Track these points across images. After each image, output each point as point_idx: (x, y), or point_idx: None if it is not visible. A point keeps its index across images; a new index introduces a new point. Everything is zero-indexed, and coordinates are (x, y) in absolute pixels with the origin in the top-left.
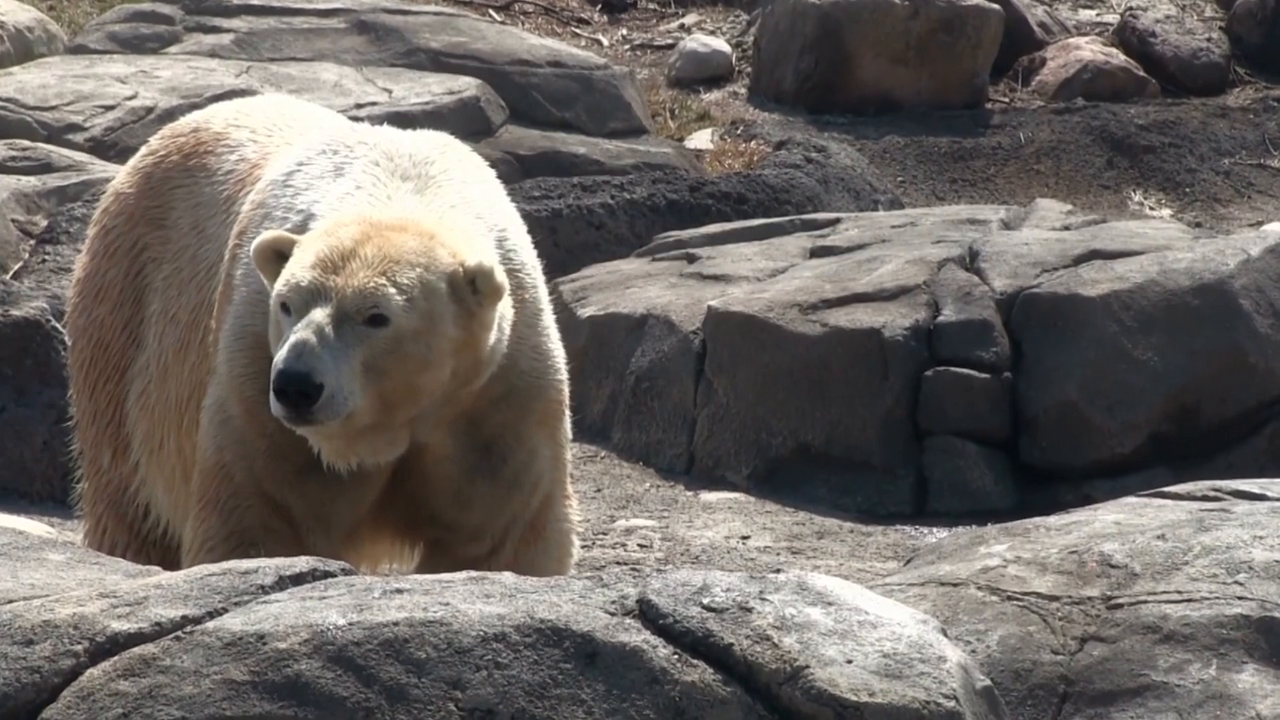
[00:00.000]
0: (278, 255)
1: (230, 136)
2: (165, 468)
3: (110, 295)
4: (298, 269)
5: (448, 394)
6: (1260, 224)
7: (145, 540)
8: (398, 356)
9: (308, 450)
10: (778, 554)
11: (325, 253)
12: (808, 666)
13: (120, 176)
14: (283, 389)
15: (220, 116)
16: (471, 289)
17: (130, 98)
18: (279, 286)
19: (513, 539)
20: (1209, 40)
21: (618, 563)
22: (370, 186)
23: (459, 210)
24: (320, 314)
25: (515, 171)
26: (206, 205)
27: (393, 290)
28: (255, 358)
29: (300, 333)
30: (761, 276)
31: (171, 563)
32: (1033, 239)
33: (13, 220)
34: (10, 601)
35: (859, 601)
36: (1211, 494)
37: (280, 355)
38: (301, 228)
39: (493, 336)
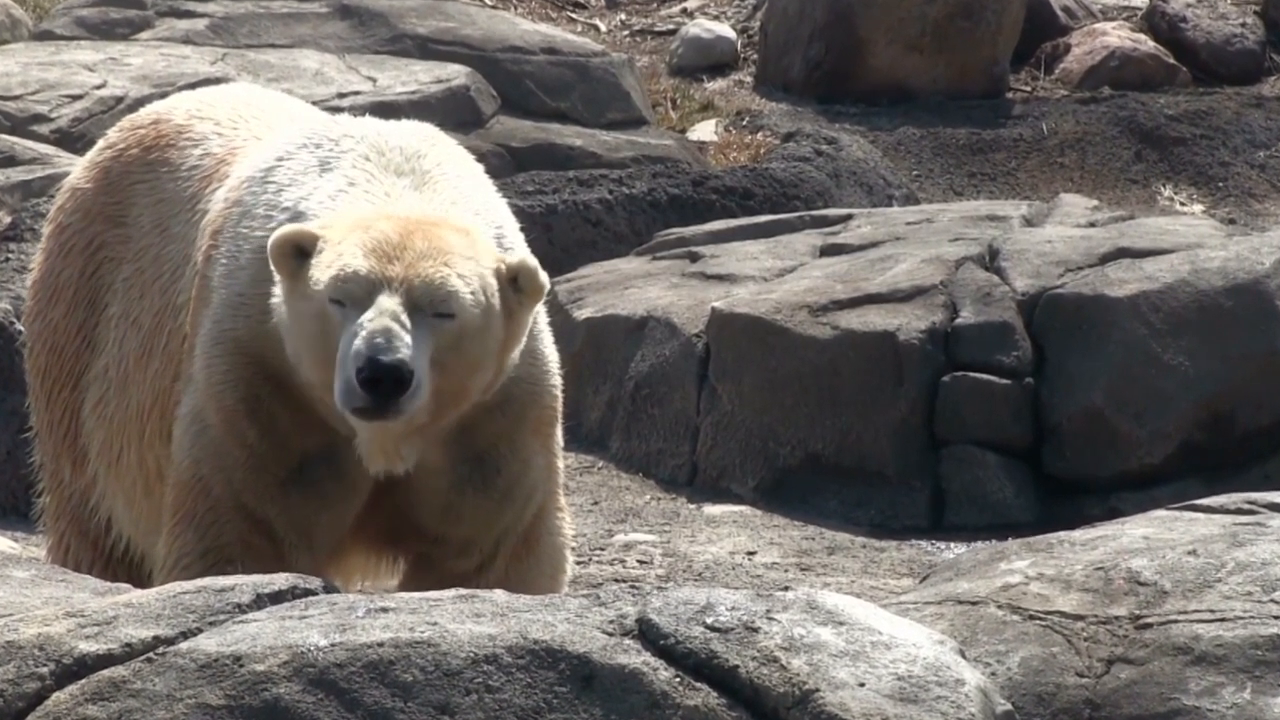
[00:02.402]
0: (298, 251)
1: (194, 129)
2: (125, 480)
3: (64, 297)
4: (349, 260)
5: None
6: None
7: (110, 557)
8: (458, 353)
9: (290, 462)
10: (786, 570)
11: (372, 244)
12: (818, 690)
13: (76, 171)
14: (376, 378)
15: (183, 108)
16: (513, 287)
17: (99, 87)
18: (328, 277)
19: (504, 553)
20: (1243, 26)
21: (616, 580)
22: (365, 183)
23: (459, 207)
24: (392, 302)
25: (507, 165)
26: (169, 202)
27: (459, 282)
28: (235, 364)
29: (379, 319)
30: (768, 276)
31: (139, 581)
32: (1056, 236)
33: None
34: None
35: (872, 621)
36: (1246, 507)
37: (364, 342)
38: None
39: (523, 341)
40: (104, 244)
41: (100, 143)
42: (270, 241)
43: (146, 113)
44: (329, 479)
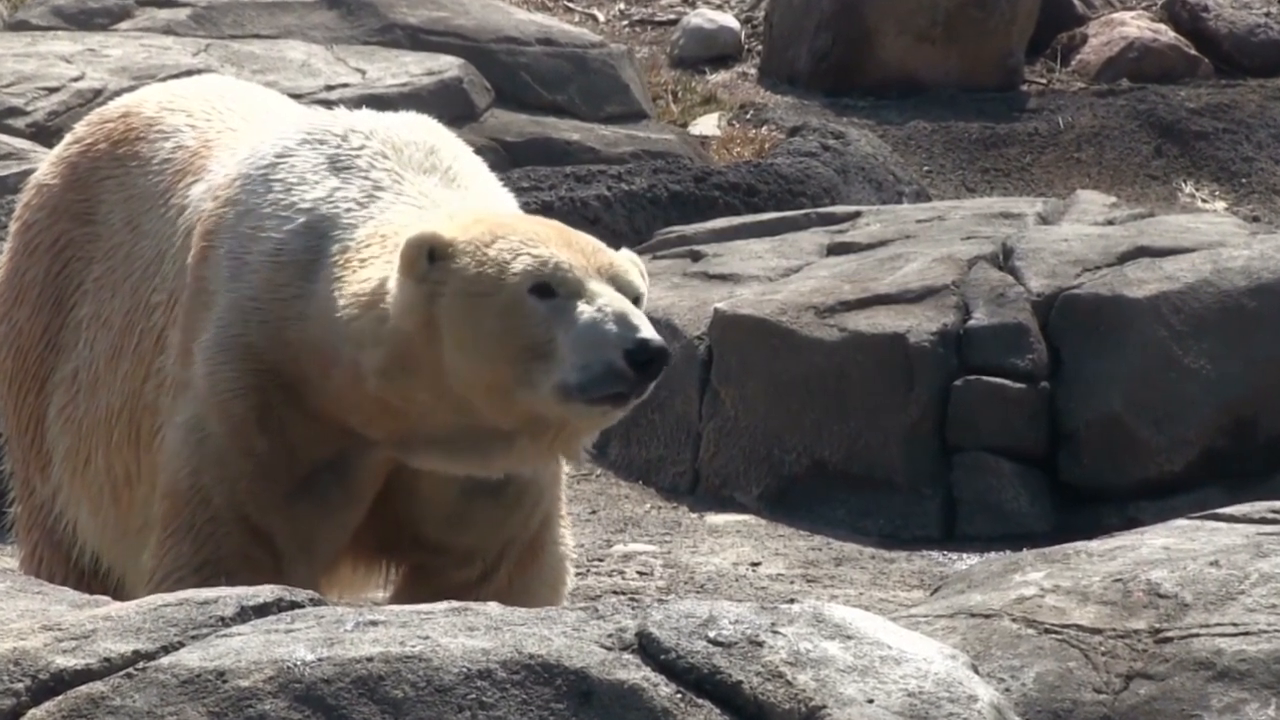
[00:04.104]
0: (430, 254)
1: (165, 122)
2: (91, 487)
3: (29, 298)
4: (544, 249)
5: None
6: None
7: (85, 572)
8: None
9: (299, 472)
10: (791, 582)
11: (541, 237)
12: (825, 707)
13: (43, 167)
14: (650, 359)
15: (153, 100)
16: None
17: (77, 79)
18: (526, 267)
19: (508, 562)
20: (1268, 15)
21: (615, 592)
22: (393, 184)
23: (491, 205)
24: (612, 291)
25: (502, 160)
26: (140, 198)
27: (638, 276)
28: (245, 371)
29: (620, 303)
30: (773, 276)
31: (111, 595)
32: (1073, 235)
33: None
34: None
35: (881, 635)
36: (1270, 516)
37: (623, 325)
38: (310, 229)
39: None
40: (71, 243)
41: (67, 137)
42: (407, 243)
43: (115, 106)
44: (335, 488)
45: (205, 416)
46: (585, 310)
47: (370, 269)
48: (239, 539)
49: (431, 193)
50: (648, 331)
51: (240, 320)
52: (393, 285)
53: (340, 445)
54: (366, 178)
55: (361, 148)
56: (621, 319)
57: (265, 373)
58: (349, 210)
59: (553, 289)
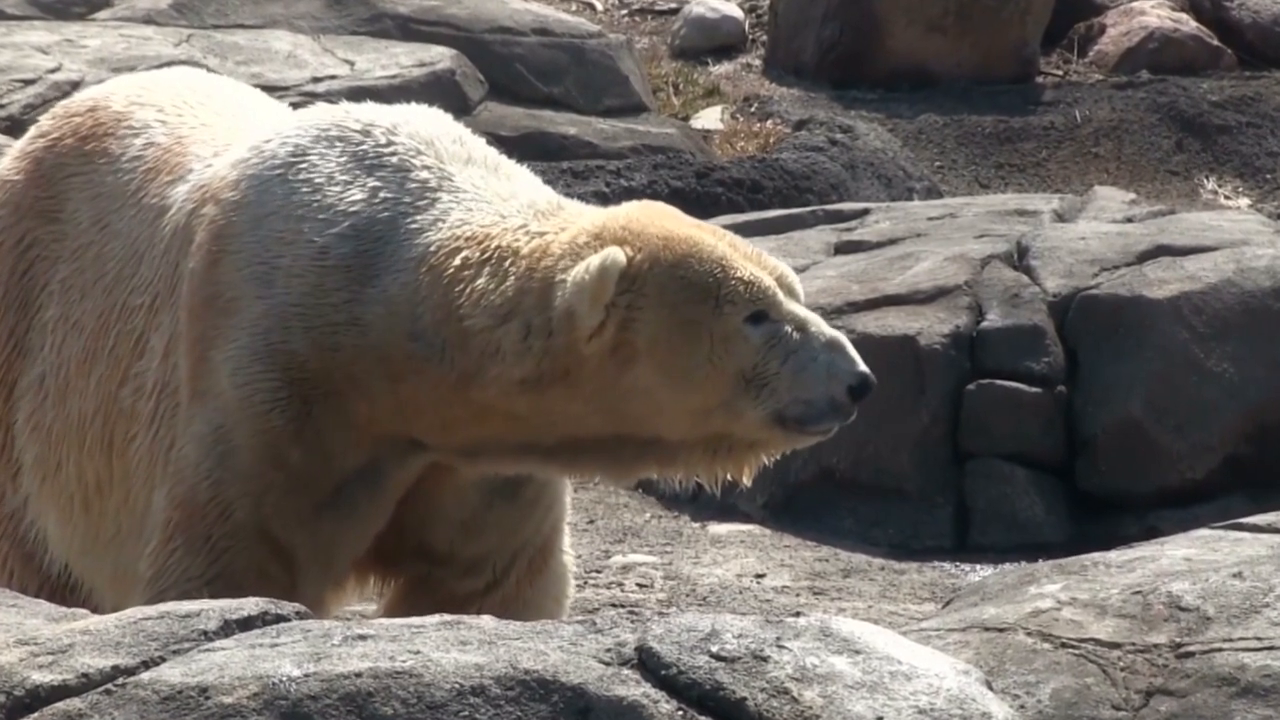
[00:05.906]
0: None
1: (134, 116)
2: (61, 495)
3: None
4: (746, 270)
5: None
6: None
7: (57, 584)
8: None
9: (331, 482)
10: (797, 594)
11: (728, 256)
12: None
13: (5, 163)
14: (869, 390)
15: (121, 93)
16: None
17: (53, 70)
18: (741, 296)
19: (518, 570)
20: None
21: (614, 604)
22: (443, 181)
23: (540, 191)
24: (811, 313)
25: None
26: (109, 197)
27: None
28: (286, 381)
29: (830, 332)
30: None
31: (84, 608)
32: (1090, 233)
33: None
34: None
35: (891, 649)
36: None
37: (846, 358)
38: (359, 233)
39: None
40: (36, 241)
41: (32, 131)
42: (603, 265)
43: (82, 99)
44: (364, 497)
45: (233, 428)
46: (800, 339)
47: (486, 278)
48: (257, 554)
49: (485, 185)
50: (863, 364)
51: (280, 327)
52: (563, 302)
53: (375, 453)
54: (410, 177)
55: (389, 144)
56: (839, 349)
57: (306, 381)
58: (406, 214)
59: (767, 315)
